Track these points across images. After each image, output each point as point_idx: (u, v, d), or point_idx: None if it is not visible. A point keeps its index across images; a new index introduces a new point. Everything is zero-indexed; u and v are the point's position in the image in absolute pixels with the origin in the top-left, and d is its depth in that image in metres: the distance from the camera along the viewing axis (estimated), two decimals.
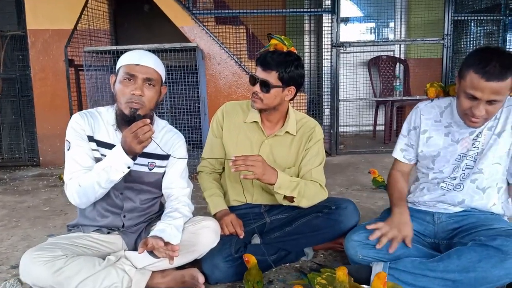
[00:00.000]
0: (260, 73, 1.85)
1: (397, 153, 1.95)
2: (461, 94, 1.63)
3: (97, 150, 1.68)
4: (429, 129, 1.83)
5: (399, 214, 1.75)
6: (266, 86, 1.84)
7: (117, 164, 1.53)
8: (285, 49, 1.93)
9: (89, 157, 1.65)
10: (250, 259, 1.64)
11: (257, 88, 1.86)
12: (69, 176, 1.63)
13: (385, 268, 1.62)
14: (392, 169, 1.99)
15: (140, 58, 1.64)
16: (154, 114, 1.77)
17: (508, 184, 1.76)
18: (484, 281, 1.48)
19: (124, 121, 1.65)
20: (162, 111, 3.75)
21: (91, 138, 1.67)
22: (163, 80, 1.72)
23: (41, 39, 4.31)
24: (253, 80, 1.88)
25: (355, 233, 1.79)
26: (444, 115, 1.81)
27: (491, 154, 1.70)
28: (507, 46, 4.52)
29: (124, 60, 1.65)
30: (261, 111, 1.94)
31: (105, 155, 1.66)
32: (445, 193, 1.79)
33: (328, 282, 1.45)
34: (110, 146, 1.67)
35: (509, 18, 4.38)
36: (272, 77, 1.84)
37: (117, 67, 1.68)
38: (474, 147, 1.73)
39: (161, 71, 1.69)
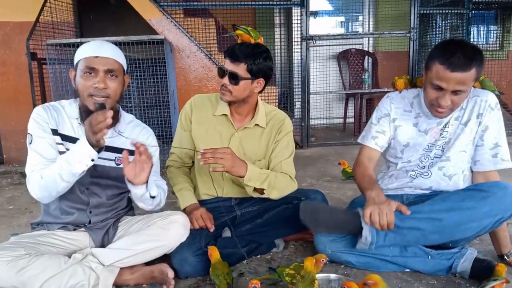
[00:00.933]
0: (229, 65, 1.84)
1: (368, 141, 1.91)
2: (427, 85, 1.67)
3: (62, 144, 1.62)
4: (398, 118, 1.86)
5: (376, 195, 1.65)
6: (235, 78, 1.82)
7: (80, 156, 1.47)
8: (252, 41, 1.92)
9: (53, 148, 1.59)
10: (213, 252, 1.62)
11: (225, 80, 1.84)
12: (31, 168, 1.57)
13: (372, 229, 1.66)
14: (361, 156, 1.93)
15: (98, 49, 1.58)
16: (120, 108, 1.73)
17: (472, 172, 1.82)
18: (470, 219, 1.59)
19: (88, 115, 1.59)
20: (130, 105, 3.66)
21: (55, 132, 1.62)
22: (125, 69, 1.68)
23: (2, 32, 4.13)
24: (222, 72, 1.86)
25: (323, 233, 1.79)
26: (413, 106, 1.84)
27: (457, 143, 1.75)
28: (471, 39, 4.66)
29: (81, 53, 1.58)
30: (230, 103, 1.93)
31: (67, 149, 1.61)
32: (413, 180, 1.84)
33: (296, 272, 1.46)
34: (74, 140, 1.61)
35: (473, 12, 4.51)
36: (240, 69, 1.82)
37: (75, 61, 1.61)
38: (442, 137, 1.78)
39: (122, 60, 1.64)
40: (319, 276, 1.52)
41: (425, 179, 1.82)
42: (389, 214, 1.55)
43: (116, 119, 1.67)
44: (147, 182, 1.57)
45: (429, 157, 1.82)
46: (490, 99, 1.72)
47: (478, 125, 1.73)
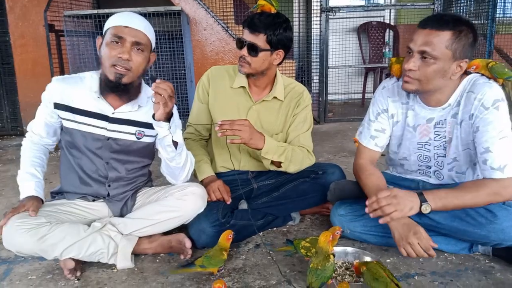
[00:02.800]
0: (248, 36, 1.79)
1: (367, 141, 1.76)
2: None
3: (72, 120, 1.63)
4: (396, 113, 1.72)
5: (400, 225, 1.49)
6: (254, 49, 1.78)
7: (22, 189, 1.60)
8: (273, 10, 1.86)
9: (44, 127, 1.66)
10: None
11: (244, 51, 1.80)
12: (29, 128, 1.70)
13: None
14: (360, 159, 1.77)
15: (130, 20, 1.55)
16: (142, 81, 1.71)
17: None
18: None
19: (107, 87, 1.59)
20: (147, 78, 3.66)
21: (65, 107, 1.62)
22: (153, 47, 1.64)
23: (20, 4, 4.13)
24: (240, 43, 1.82)
25: (341, 206, 1.78)
26: (409, 96, 1.68)
27: (459, 142, 1.60)
28: (498, 11, 4.45)
29: (112, 22, 1.56)
30: (248, 76, 1.90)
31: (83, 123, 1.63)
32: (427, 179, 1.76)
33: (311, 245, 1.45)
34: (89, 114, 1.62)
35: None
36: (260, 40, 1.78)
37: (104, 29, 1.59)
38: (440, 137, 1.64)
39: (151, 36, 1.61)
40: (336, 249, 1.52)
41: (439, 180, 1.73)
42: (422, 243, 1.45)
43: (138, 92, 1.66)
44: (169, 120, 1.55)
45: (430, 158, 1.68)
46: (486, 96, 1.48)
47: (471, 127, 1.54)
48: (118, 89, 1.58)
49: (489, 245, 1.56)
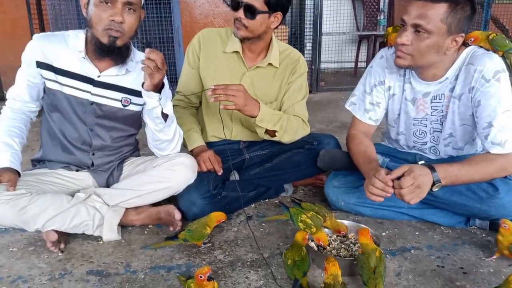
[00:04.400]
0: None
1: (361, 114, 1.68)
2: None
3: (54, 80, 1.52)
4: (393, 85, 1.63)
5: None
6: (251, 11, 1.66)
7: None
8: None
9: (26, 89, 1.55)
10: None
11: (240, 13, 1.68)
12: (8, 95, 1.59)
13: (383, 164, 1.60)
14: (353, 130, 1.71)
15: None
16: (131, 44, 1.59)
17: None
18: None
19: (100, 50, 1.47)
20: (142, 44, 3.50)
21: (47, 66, 1.51)
22: (142, 3, 1.52)
23: None
24: (236, 4, 1.69)
25: (335, 178, 1.73)
26: (407, 69, 1.59)
27: (456, 118, 1.54)
28: None
29: None
30: (243, 40, 1.78)
31: (66, 85, 1.52)
32: (422, 156, 1.70)
33: (314, 223, 1.38)
34: (72, 75, 1.51)
35: None
36: (257, 1, 1.66)
37: None
38: (437, 111, 1.57)
39: None
40: None
41: (435, 155, 1.67)
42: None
43: (126, 55, 1.54)
44: (160, 91, 1.46)
45: (426, 133, 1.62)
46: (487, 67, 1.41)
47: (471, 101, 1.47)
48: (112, 52, 1.47)
49: (488, 219, 1.53)
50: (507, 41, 1.49)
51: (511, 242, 1.31)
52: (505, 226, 1.33)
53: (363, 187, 1.60)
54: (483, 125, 1.44)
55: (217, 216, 1.47)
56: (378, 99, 1.67)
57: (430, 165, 1.38)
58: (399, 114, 1.66)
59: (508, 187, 1.45)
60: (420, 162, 1.47)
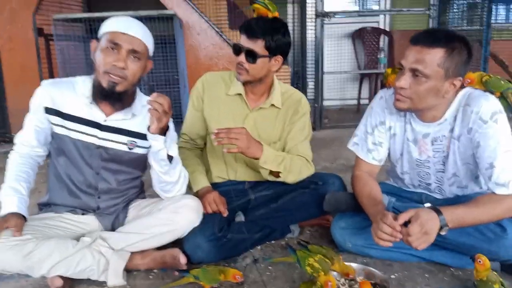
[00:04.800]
0: (245, 42, 1.72)
1: (365, 154, 1.69)
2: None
3: (62, 126, 1.55)
4: (394, 125, 1.64)
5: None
6: (252, 56, 1.72)
7: (6, 205, 1.49)
8: (269, 15, 1.80)
9: (34, 134, 1.57)
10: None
11: (242, 58, 1.73)
12: (16, 140, 1.61)
13: (389, 204, 1.58)
14: (357, 170, 1.70)
15: (127, 26, 1.47)
16: (137, 89, 1.63)
17: None
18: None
19: (100, 94, 1.51)
20: (144, 86, 3.58)
21: (55, 112, 1.55)
22: (150, 54, 1.57)
23: (8, 7, 4.02)
24: (238, 49, 1.75)
25: (342, 219, 1.72)
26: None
27: (458, 158, 1.54)
28: (492, 18, 4.45)
29: (109, 26, 1.48)
30: (245, 83, 1.83)
31: (73, 130, 1.55)
32: (428, 195, 1.69)
33: (322, 267, 1.35)
34: (79, 120, 1.55)
35: None
36: (258, 46, 1.71)
37: (100, 32, 1.51)
38: (439, 153, 1.57)
39: (149, 43, 1.54)
40: None
41: (441, 195, 1.67)
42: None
43: (131, 100, 1.58)
44: (165, 134, 1.48)
45: (430, 175, 1.63)
46: (483, 109, 1.41)
47: (470, 141, 1.47)
48: (111, 97, 1.50)
49: (498, 260, 1.50)
50: (502, 82, 1.50)
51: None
52: (479, 261, 1.32)
53: (370, 228, 1.58)
54: (485, 166, 1.43)
55: (235, 273, 1.44)
56: (380, 139, 1.67)
57: (437, 208, 1.37)
58: (401, 154, 1.67)
59: None
60: (426, 205, 1.46)
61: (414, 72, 1.40)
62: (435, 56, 1.37)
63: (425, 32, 1.42)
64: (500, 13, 5.40)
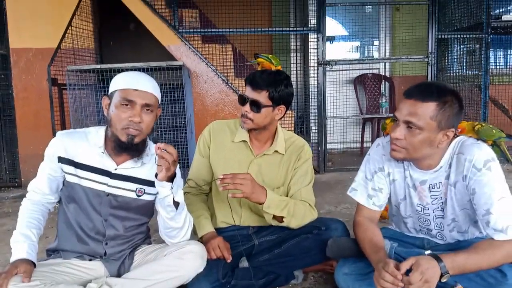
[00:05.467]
0: (250, 93, 1.83)
1: (364, 200, 1.72)
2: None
3: (74, 174, 1.62)
4: (392, 172, 1.70)
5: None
6: (256, 106, 1.81)
7: (14, 251, 1.53)
8: (273, 68, 1.91)
9: (47, 182, 1.64)
10: None
11: (247, 108, 1.83)
12: (30, 187, 1.69)
13: (391, 249, 1.60)
14: (358, 216, 1.74)
15: (138, 82, 1.57)
16: (147, 138, 1.71)
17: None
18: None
19: (119, 147, 1.60)
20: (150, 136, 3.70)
21: (68, 161, 1.62)
22: (159, 103, 1.67)
23: (24, 58, 4.23)
24: (243, 100, 1.85)
25: (345, 264, 1.73)
26: None
27: (456, 204, 1.58)
28: (490, 63, 4.59)
29: (120, 84, 1.58)
30: (250, 130, 1.91)
31: (85, 178, 1.62)
32: (429, 240, 1.73)
33: None
34: (92, 169, 1.62)
35: (491, 36, 4.46)
36: (262, 96, 1.81)
37: (111, 89, 1.61)
38: (437, 199, 1.62)
39: (159, 94, 1.65)
40: None
41: (442, 241, 1.70)
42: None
43: (142, 150, 1.66)
44: (172, 181, 1.54)
45: (429, 221, 1.67)
46: (476, 157, 1.46)
47: (466, 188, 1.51)
48: (130, 149, 1.59)
49: None
50: (494, 131, 1.55)
51: None
52: None
53: (373, 274, 1.60)
54: (482, 213, 1.47)
55: None
56: (380, 185, 1.72)
57: (437, 255, 1.40)
58: (402, 199, 1.71)
59: None
60: (426, 252, 1.48)
61: (408, 124, 1.47)
62: (427, 109, 1.44)
63: (418, 86, 1.50)
64: (500, 56, 5.54)
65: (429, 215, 1.66)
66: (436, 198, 1.61)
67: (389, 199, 1.78)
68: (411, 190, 1.67)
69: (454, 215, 1.60)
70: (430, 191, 1.62)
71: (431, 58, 4.47)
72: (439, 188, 1.60)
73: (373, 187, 1.72)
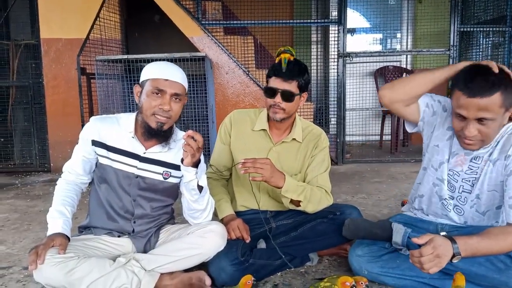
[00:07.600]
0: (281, 84, 1.90)
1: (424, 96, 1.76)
2: (452, 114, 1.59)
3: (106, 157, 1.74)
4: (438, 123, 1.74)
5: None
6: (289, 96, 1.90)
7: (51, 226, 1.66)
8: (292, 58, 1.98)
9: (81, 164, 1.76)
10: None
11: (278, 99, 1.91)
12: (65, 168, 1.80)
13: (405, 234, 1.67)
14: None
15: (169, 73, 1.67)
16: (174, 125, 1.82)
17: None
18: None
19: (149, 133, 1.71)
20: (181, 124, 3.82)
21: (100, 144, 1.74)
22: (186, 91, 1.78)
23: (54, 48, 4.41)
24: (273, 92, 1.92)
25: (359, 247, 1.81)
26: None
27: (486, 182, 1.63)
28: None
29: (152, 73, 1.68)
30: (277, 120, 1.97)
31: (116, 160, 1.73)
32: (447, 213, 1.78)
33: (331, 283, 1.47)
34: (122, 152, 1.74)
35: None
36: (293, 86, 1.91)
37: (142, 78, 1.71)
38: (472, 172, 1.67)
39: (186, 84, 1.75)
40: None
41: (459, 215, 1.75)
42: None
43: (169, 136, 1.77)
44: (197, 166, 1.65)
45: (456, 189, 1.71)
46: None
47: (504, 168, 1.55)
48: (159, 135, 1.70)
49: None
50: None
51: None
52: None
53: (386, 256, 1.68)
54: (510, 194, 1.51)
55: (244, 281, 1.57)
56: (435, 108, 1.76)
57: (451, 237, 1.45)
58: (437, 144, 1.75)
59: None
60: (442, 233, 1.54)
61: (480, 119, 1.51)
62: (495, 101, 1.46)
63: (476, 82, 1.47)
64: None
65: (457, 181, 1.70)
66: (471, 170, 1.66)
67: (425, 151, 1.81)
68: (448, 141, 1.71)
69: (480, 191, 1.65)
70: (471, 161, 1.66)
71: (453, 51, 4.44)
72: (479, 162, 1.64)
73: (429, 102, 1.76)
